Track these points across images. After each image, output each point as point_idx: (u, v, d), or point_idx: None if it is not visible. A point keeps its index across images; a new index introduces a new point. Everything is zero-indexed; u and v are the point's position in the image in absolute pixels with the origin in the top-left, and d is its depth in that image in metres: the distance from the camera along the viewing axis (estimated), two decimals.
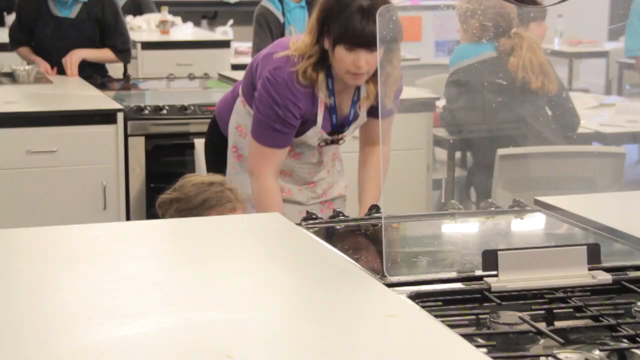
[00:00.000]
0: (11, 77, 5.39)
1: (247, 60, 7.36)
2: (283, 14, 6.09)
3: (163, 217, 3.04)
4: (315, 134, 3.26)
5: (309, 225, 2.37)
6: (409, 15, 9.60)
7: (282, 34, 5.83)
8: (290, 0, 6.13)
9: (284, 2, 6.10)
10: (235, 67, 7.06)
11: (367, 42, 2.99)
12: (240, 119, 3.39)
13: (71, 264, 2.04)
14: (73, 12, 5.47)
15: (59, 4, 5.43)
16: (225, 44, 7.43)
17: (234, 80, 5.67)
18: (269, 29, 6.01)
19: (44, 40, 5.50)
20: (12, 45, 5.64)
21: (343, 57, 3.04)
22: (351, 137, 3.41)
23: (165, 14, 7.62)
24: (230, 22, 8.17)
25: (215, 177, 3.14)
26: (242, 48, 7.77)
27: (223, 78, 5.89)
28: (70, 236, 2.32)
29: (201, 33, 8.26)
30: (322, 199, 3.50)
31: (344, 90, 3.22)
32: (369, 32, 2.97)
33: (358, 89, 3.25)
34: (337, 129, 3.29)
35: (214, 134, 3.60)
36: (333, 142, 3.34)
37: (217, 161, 3.53)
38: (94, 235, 2.30)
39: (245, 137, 3.37)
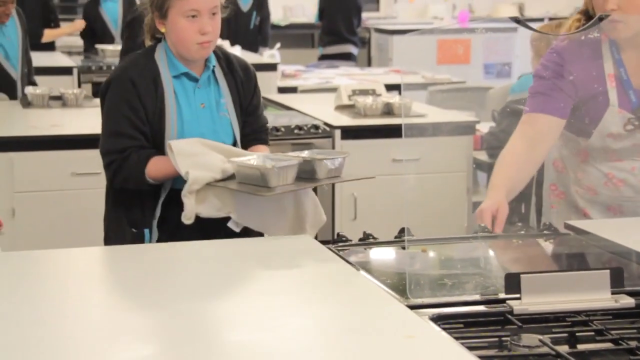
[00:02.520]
0: (60, 100, 5.48)
1: (294, 83, 7.40)
2: None
3: None
4: (614, 115, 2.76)
5: (339, 248, 2.40)
6: (459, 38, 9.63)
7: None
8: None
9: None
10: (281, 90, 7.10)
11: None
12: (557, 153, 2.96)
13: (106, 285, 2.10)
14: None
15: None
16: (272, 67, 7.47)
17: (277, 104, 5.71)
18: None
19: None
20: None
21: None
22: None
23: None
24: (278, 45, 8.21)
25: None
26: (288, 71, 7.81)
27: (266, 101, 5.93)
28: (111, 258, 2.39)
29: (248, 55, 8.31)
30: None
31: (633, 57, 2.76)
32: None
33: None
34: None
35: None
36: None
37: None
38: (133, 259, 2.35)
39: (563, 172, 2.94)
